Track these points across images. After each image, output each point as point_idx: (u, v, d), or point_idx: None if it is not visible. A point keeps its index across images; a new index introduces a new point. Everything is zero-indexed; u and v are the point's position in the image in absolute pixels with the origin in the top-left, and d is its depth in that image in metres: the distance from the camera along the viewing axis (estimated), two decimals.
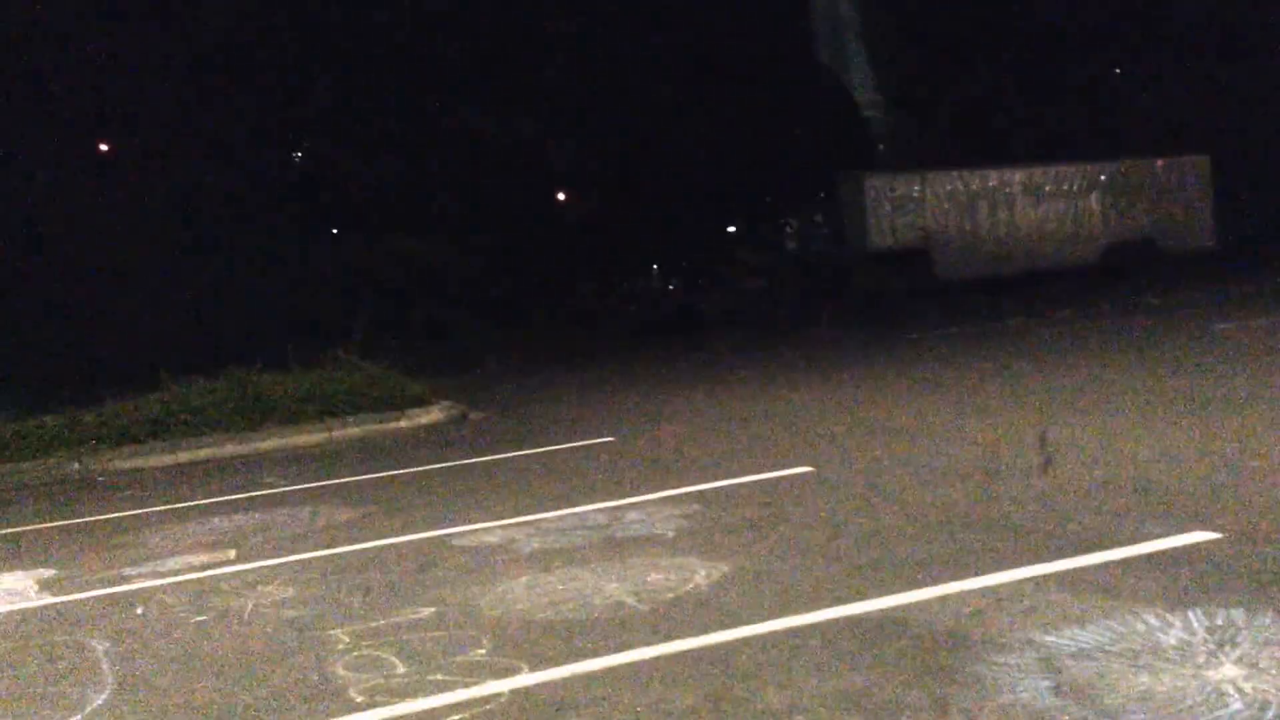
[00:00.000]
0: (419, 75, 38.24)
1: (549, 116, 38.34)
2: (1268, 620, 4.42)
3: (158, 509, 10.25)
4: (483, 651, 5.11)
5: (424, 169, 38.82)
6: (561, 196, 43.10)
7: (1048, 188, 34.29)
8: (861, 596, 5.27)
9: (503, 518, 8.04)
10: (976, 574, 5.44)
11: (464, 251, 38.86)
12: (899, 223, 32.84)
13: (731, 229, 36.36)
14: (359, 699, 4.67)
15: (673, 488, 8.43)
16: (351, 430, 14.26)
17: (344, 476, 11.02)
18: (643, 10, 37.68)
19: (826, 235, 33.49)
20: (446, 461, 11.31)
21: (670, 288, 32.58)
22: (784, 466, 8.83)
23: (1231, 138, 36.03)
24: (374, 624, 5.73)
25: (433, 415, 14.82)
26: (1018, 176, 34.16)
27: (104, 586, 7.28)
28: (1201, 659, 4.13)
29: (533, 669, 4.79)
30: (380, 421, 14.53)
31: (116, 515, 10.17)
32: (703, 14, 37.13)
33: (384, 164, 38.42)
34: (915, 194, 33.19)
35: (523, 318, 35.02)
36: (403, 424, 14.55)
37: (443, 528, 7.92)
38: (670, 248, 36.10)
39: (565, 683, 4.60)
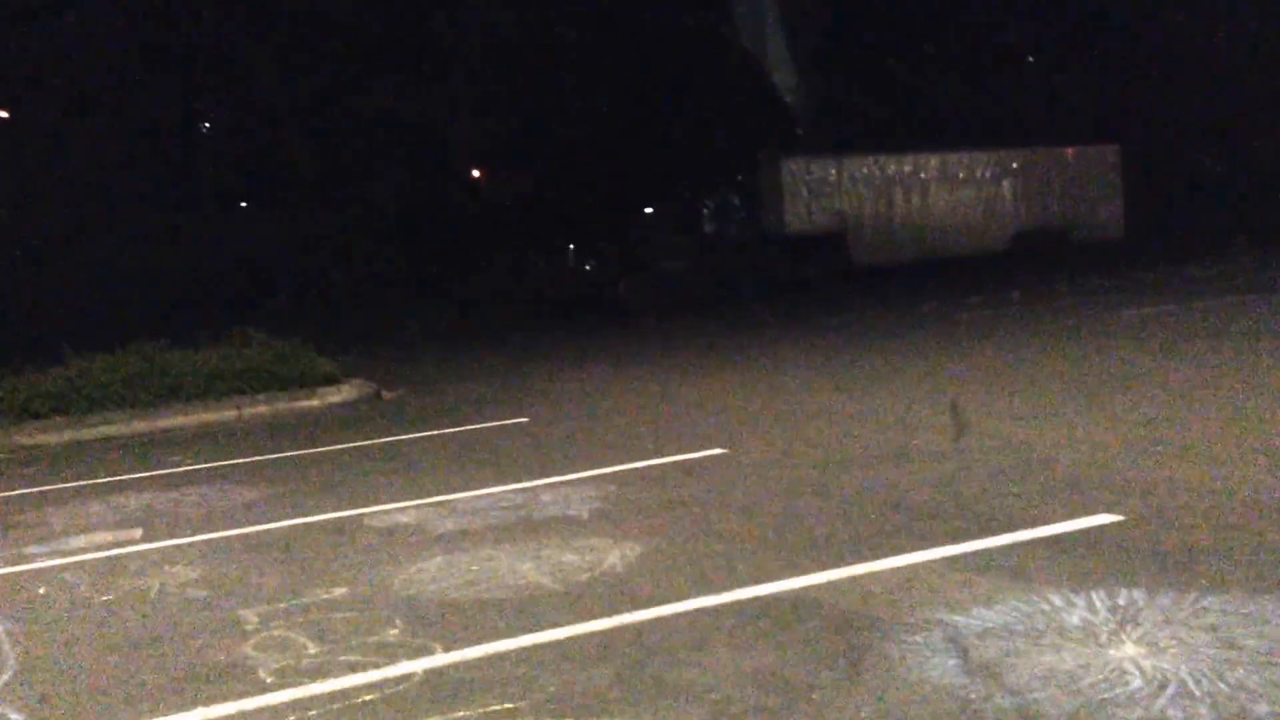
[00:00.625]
0: (332, 50, 37.66)
1: (465, 95, 38.00)
2: (1168, 601, 4.54)
3: (61, 486, 10.02)
4: (395, 632, 5.07)
5: (336, 144, 38.27)
6: (476, 174, 42.78)
7: (961, 174, 34.78)
8: (774, 577, 5.32)
9: (416, 498, 7.98)
10: (887, 555, 5.51)
11: (377, 229, 38.44)
12: (815, 206, 33.09)
13: (649, 210, 36.38)
14: (268, 680, 4.61)
15: (588, 469, 8.43)
16: (261, 408, 14.06)
17: (254, 455, 10.85)
18: None
19: (743, 218, 33.66)
20: (359, 441, 11.19)
21: (587, 268, 32.54)
22: (699, 448, 8.87)
23: (1141, 128, 36.82)
24: (284, 604, 5.65)
25: (345, 393, 14.66)
26: (932, 162, 34.59)
27: (5, 566, 7.10)
28: (1104, 638, 4.23)
29: (446, 649, 4.76)
30: (291, 400, 14.33)
31: (18, 493, 9.92)
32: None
33: (295, 139, 37.82)
34: (832, 178, 33.47)
35: (437, 296, 34.76)
36: (314, 402, 14.37)
37: (355, 507, 7.84)
38: (587, 228, 36.03)
39: (479, 663, 4.58)
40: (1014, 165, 35.23)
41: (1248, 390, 9.33)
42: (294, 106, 37.96)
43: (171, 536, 7.48)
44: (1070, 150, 36.09)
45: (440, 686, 4.37)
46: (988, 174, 35.01)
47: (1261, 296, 16.72)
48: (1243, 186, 37.13)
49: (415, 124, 37.78)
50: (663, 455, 8.72)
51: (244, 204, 40.45)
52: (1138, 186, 35.73)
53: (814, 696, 3.96)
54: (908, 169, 34.34)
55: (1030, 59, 41.37)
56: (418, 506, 7.70)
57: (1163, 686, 3.77)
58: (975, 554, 5.43)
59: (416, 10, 37.39)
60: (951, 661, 4.14)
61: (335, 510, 7.82)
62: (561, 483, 8.05)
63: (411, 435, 11.23)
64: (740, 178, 34.17)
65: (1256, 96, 36.67)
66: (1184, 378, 10.32)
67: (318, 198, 37.97)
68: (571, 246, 34.74)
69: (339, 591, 5.80)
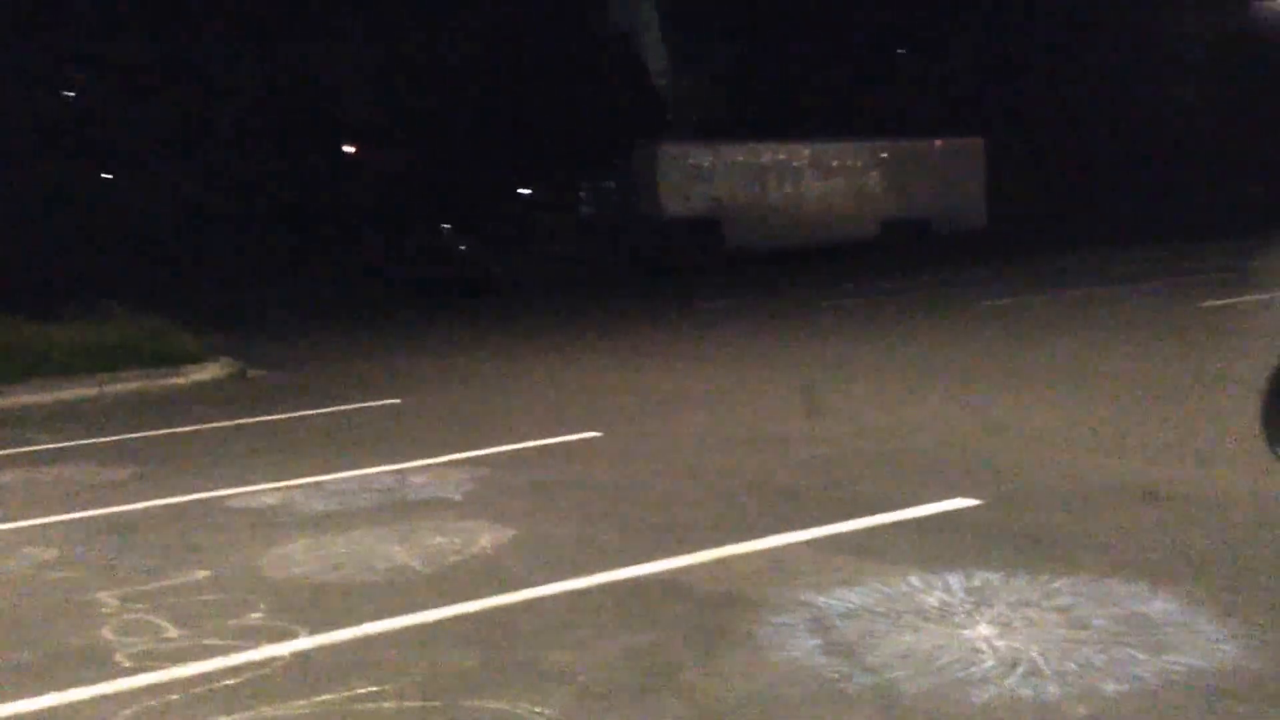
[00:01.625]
0: (200, 13, 36.57)
1: (342, 66, 37.27)
2: (1021, 583, 4.71)
3: None
4: (259, 615, 5.00)
5: (207, 113, 37.21)
6: (352, 150, 42.05)
7: (833, 164, 35.33)
8: (645, 559, 5.37)
9: (283, 479, 7.84)
10: (755, 537, 5.61)
11: (247, 202, 37.55)
12: (691, 192, 33.30)
13: (526, 191, 36.22)
14: (126, 664, 4.50)
15: (460, 451, 8.39)
16: (125, 386, 13.64)
17: (116, 434, 10.53)
18: None
19: (620, 202, 33.70)
20: (225, 420, 10.94)
21: (462, 248, 32.24)
22: (573, 431, 8.89)
23: (1004, 121, 37.83)
24: (144, 587, 5.52)
25: (211, 371, 14.31)
26: (805, 151, 35.07)
27: None
28: (960, 619, 4.37)
29: (312, 632, 4.71)
30: (156, 377, 13.94)
31: None
32: None
33: (161, 106, 36.65)
34: (707, 164, 33.70)
35: (309, 274, 34.11)
36: (179, 380, 14.00)
37: (220, 488, 7.68)
38: (463, 208, 35.69)
39: (345, 646, 4.54)
40: (883, 156, 35.92)
41: (1100, 378, 9.69)
42: (158, 74, 36.79)
43: (28, 517, 7.23)
44: (938, 143, 36.93)
45: (305, 670, 4.32)
46: (858, 164, 35.64)
47: (1116, 287, 17.35)
48: (1103, 181, 38.42)
49: (291, 95, 36.94)
50: (537, 438, 8.72)
51: (107, 175, 39.09)
52: (1001, 179, 36.72)
53: (681, 677, 4.02)
54: (781, 157, 34.77)
55: (901, 51, 42.20)
56: (285, 488, 7.57)
57: (1015, 665, 3.91)
58: (839, 536, 5.56)
59: None
60: (814, 642, 4.23)
61: (199, 491, 7.65)
62: (434, 465, 8.00)
63: (280, 415, 11.03)
64: (617, 162, 34.19)
65: (1116, 95, 37.98)
66: (1040, 366, 10.67)
67: (183, 168, 36.89)
68: (447, 226, 34.37)
69: (201, 574, 5.69)
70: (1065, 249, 26.62)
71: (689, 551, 5.45)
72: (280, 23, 36.59)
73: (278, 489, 7.55)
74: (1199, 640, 4.01)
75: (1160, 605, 4.35)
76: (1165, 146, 37.64)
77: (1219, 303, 14.35)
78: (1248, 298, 14.61)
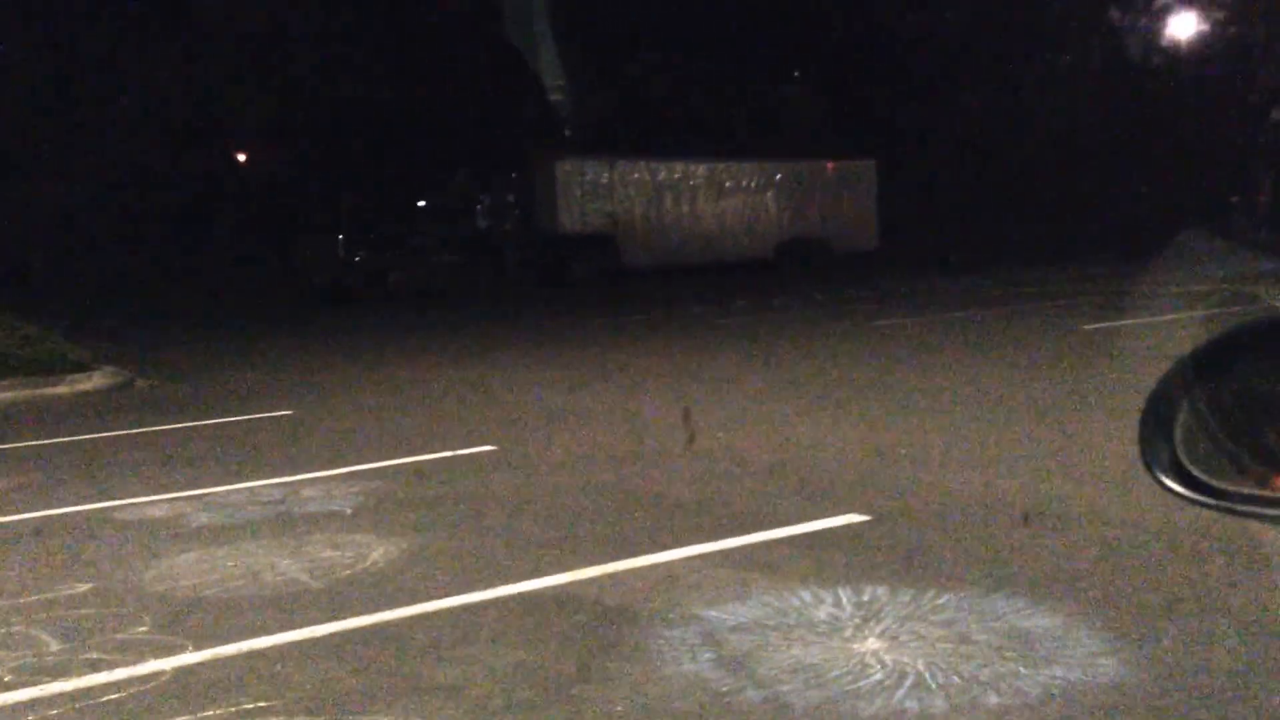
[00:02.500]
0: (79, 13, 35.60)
1: (230, 70, 36.54)
2: (908, 597, 4.82)
3: None
4: (144, 629, 4.89)
5: (85, 117, 36.19)
6: (242, 157, 41.29)
7: (729, 183, 35.69)
8: (538, 574, 5.38)
9: (170, 491, 7.68)
10: (649, 551, 5.65)
11: (134, 208, 36.63)
12: (589, 208, 33.37)
13: (422, 203, 35.91)
14: (6, 678, 4.37)
15: (353, 464, 8.30)
16: (3, 395, 13.23)
17: None
18: None
19: (518, 215, 33.62)
20: (110, 430, 10.67)
21: (356, 258, 31.86)
22: (468, 445, 8.86)
23: (895, 145, 38.58)
24: (25, 600, 5.37)
25: (96, 380, 13.94)
26: (701, 170, 35.39)
27: None
28: (849, 632, 4.46)
29: (197, 647, 4.63)
30: (37, 386, 13.53)
31: None
32: None
33: (41, 110, 35.57)
34: (605, 180, 33.82)
35: (199, 281, 33.40)
36: (62, 389, 13.61)
37: (104, 500, 7.49)
38: (358, 217, 35.27)
39: (231, 661, 4.47)
40: (778, 177, 36.40)
41: (985, 398, 9.95)
42: (35, 77, 35.67)
43: None
44: (830, 164, 37.54)
45: (190, 685, 4.24)
46: (753, 184, 36.06)
47: (1002, 309, 17.80)
48: (993, 204, 39.37)
49: (177, 98, 36.12)
50: (431, 451, 8.66)
51: None
52: (894, 201, 37.45)
53: (573, 691, 4.03)
54: (678, 175, 35.04)
55: (796, 73, 42.80)
56: (172, 500, 7.42)
57: (902, 679, 4.00)
58: (732, 551, 5.62)
59: None
60: (706, 655, 4.28)
61: (83, 503, 7.45)
62: (326, 477, 7.90)
63: (167, 425, 10.78)
64: (515, 175, 34.10)
65: (1006, 120, 38.95)
66: (927, 385, 10.92)
67: (67, 173, 35.84)
68: (341, 235, 33.93)
69: (84, 587, 5.54)
70: (954, 271, 27.22)
71: (581, 566, 5.47)
72: (162, 23, 35.72)
73: (165, 501, 7.39)
74: (1078, 654, 4.14)
75: (1041, 620, 4.48)
76: (1052, 171, 38.76)
77: (1099, 325, 14.82)
78: (1126, 321, 15.10)
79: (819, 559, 5.43)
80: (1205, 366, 1.34)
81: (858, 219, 37.21)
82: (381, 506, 6.98)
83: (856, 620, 4.58)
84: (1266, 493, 1.28)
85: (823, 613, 4.68)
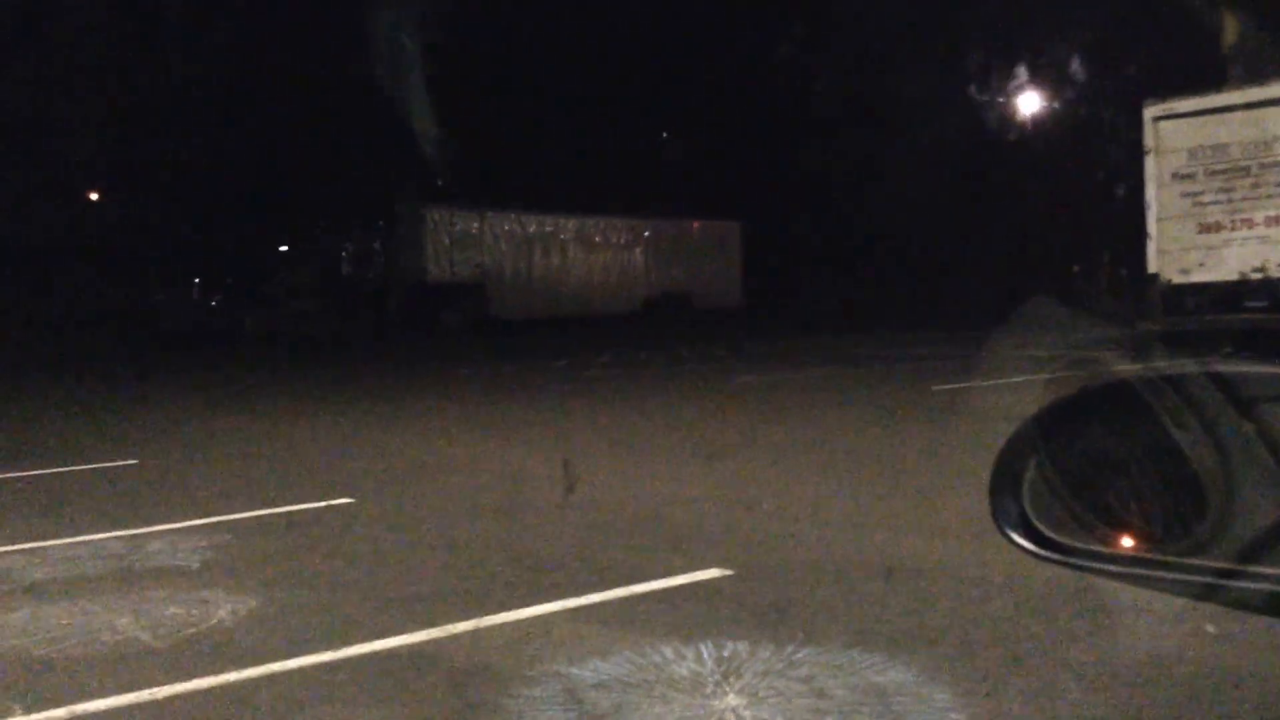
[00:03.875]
0: None
1: (80, 109, 35.42)
2: (768, 653, 4.80)
3: None
4: None
5: None
6: (95, 196, 40.05)
7: (598, 237, 35.95)
8: (394, 632, 5.22)
9: (2, 544, 7.29)
10: (509, 608, 5.54)
11: None
12: (457, 257, 33.25)
13: (284, 249, 35.27)
14: None
15: (203, 516, 8.01)
16: None
17: None
18: (196, 16, 35.71)
19: (384, 263, 33.27)
20: None
21: (213, 304, 31.13)
22: (323, 497, 8.62)
23: (760, 207, 39.33)
24: None
25: None
26: (572, 224, 35.59)
27: None
28: (709, 689, 4.42)
29: (28, 710, 4.36)
30: None
31: None
32: (259, 26, 35.79)
33: None
34: (475, 230, 33.76)
35: (43, 325, 32.18)
36: None
37: None
38: (215, 261, 34.48)
39: None
40: (645, 234, 36.79)
41: (842, 455, 10.09)
42: None
43: None
44: (696, 224, 38.10)
45: None
46: (622, 239, 36.38)
47: (859, 369, 18.16)
48: (854, 268, 40.36)
49: (22, 136, 34.87)
50: (285, 503, 8.41)
51: None
52: (757, 261, 38.15)
53: None
54: (549, 228, 35.17)
55: (665, 134, 43.42)
56: (3, 554, 7.04)
57: None
58: (593, 607, 5.55)
59: (25, 13, 34.54)
60: (567, 714, 4.20)
61: None
62: (172, 530, 7.60)
63: (4, 475, 10.28)
64: (382, 223, 33.77)
65: (865, 188, 40.05)
66: (787, 442, 11.03)
67: None
68: (197, 280, 33.13)
69: None
70: (814, 331, 27.74)
71: (441, 623, 5.33)
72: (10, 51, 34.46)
73: None
74: (930, 709, 4.17)
75: (896, 675, 4.51)
76: (913, 239, 39.98)
77: (949, 386, 15.20)
78: (975, 383, 15.52)
79: (683, 614, 5.39)
80: (1050, 427, 1.36)
81: (723, 277, 37.80)
82: (231, 561, 6.73)
83: (718, 676, 4.54)
84: (1109, 550, 1.30)
85: (685, 669, 4.64)
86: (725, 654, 4.79)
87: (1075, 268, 38.89)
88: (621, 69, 38.74)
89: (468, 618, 5.40)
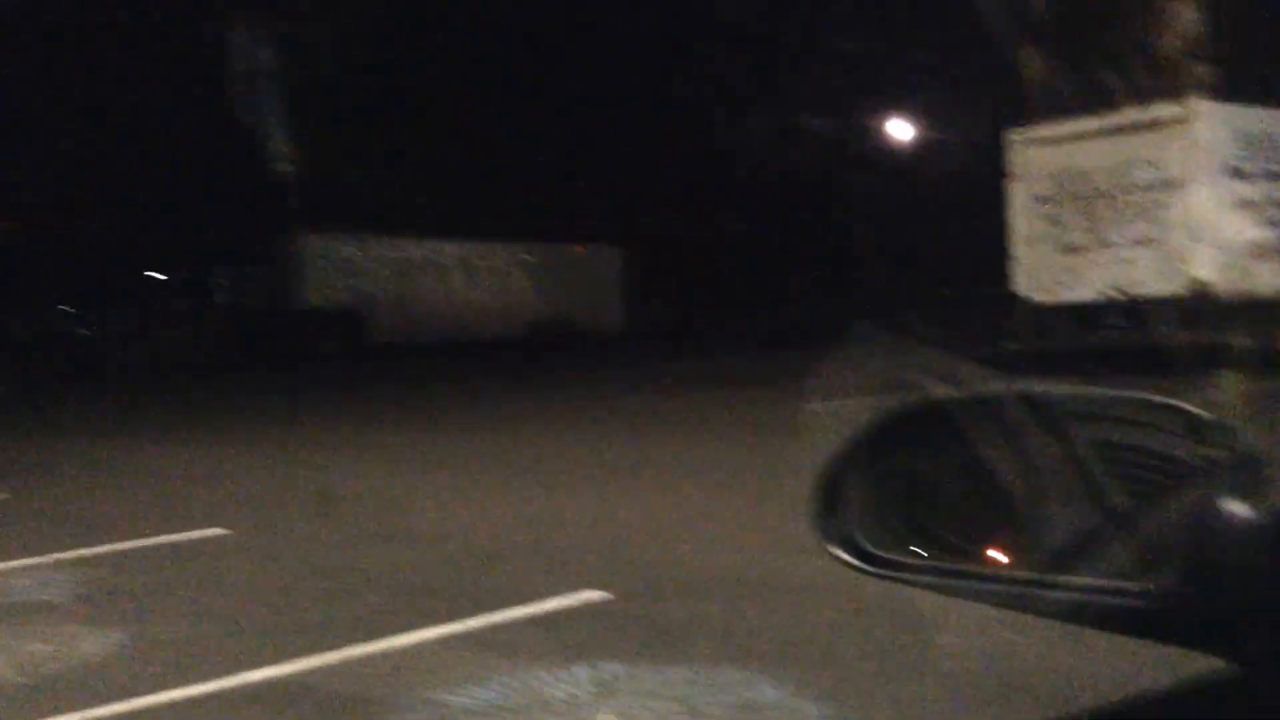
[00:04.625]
0: None
1: None
2: (644, 672, 4.86)
3: None
4: None
5: None
6: None
7: (479, 262, 35.80)
8: (267, 663, 5.16)
9: None
10: (384, 636, 5.51)
11: None
12: (336, 284, 32.85)
13: (160, 276, 34.38)
14: None
15: (71, 549, 7.80)
16: None
17: None
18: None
19: (262, 290, 32.67)
20: None
21: (82, 331, 30.25)
22: (197, 527, 8.46)
23: (644, 232, 39.59)
24: None
25: None
26: (453, 249, 35.39)
27: None
28: (584, 711, 4.46)
29: None
30: None
31: None
32: (114, 58, 34.92)
33: None
34: (354, 257, 33.40)
35: None
36: None
37: None
38: (81, 288, 33.42)
39: None
40: (527, 258, 36.76)
41: (716, 473, 10.21)
42: None
43: None
44: (579, 249, 38.20)
45: None
46: (504, 265, 36.30)
47: (735, 390, 18.36)
48: (733, 291, 40.85)
49: None
50: (157, 534, 8.23)
51: None
52: (642, 286, 38.38)
53: None
54: (429, 254, 34.92)
55: (542, 158, 43.46)
56: None
57: None
58: (469, 632, 5.55)
59: None
60: None
61: None
62: (38, 564, 7.39)
63: None
64: (260, 249, 33.13)
65: (737, 214, 40.67)
66: (661, 463, 11.13)
67: None
68: (65, 307, 32.11)
69: None
70: (695, 353, 27.96)
71: (313, 653, 5.28)
72: None
73: None
74: None
75: (768, 691, 4.60)
76: (760, 269, 41.07)
77: (821, 405, 15.44)
78: (850, 401, 15.84)
79: (558, 637, 5.42)
80: (868, 446, 1.43)
81: (605, 301, 37.93)
82: (97, 595, 6.58)
83: (593, 697, 4.59)
84: (930, 563, 1.37)
85: (561, 692, 4.67)
86: (601, 675, 4.84)
87: (945, 291, 39.83)
88: (503, 89, 38.68)
89: (341, 647, 5.36)
